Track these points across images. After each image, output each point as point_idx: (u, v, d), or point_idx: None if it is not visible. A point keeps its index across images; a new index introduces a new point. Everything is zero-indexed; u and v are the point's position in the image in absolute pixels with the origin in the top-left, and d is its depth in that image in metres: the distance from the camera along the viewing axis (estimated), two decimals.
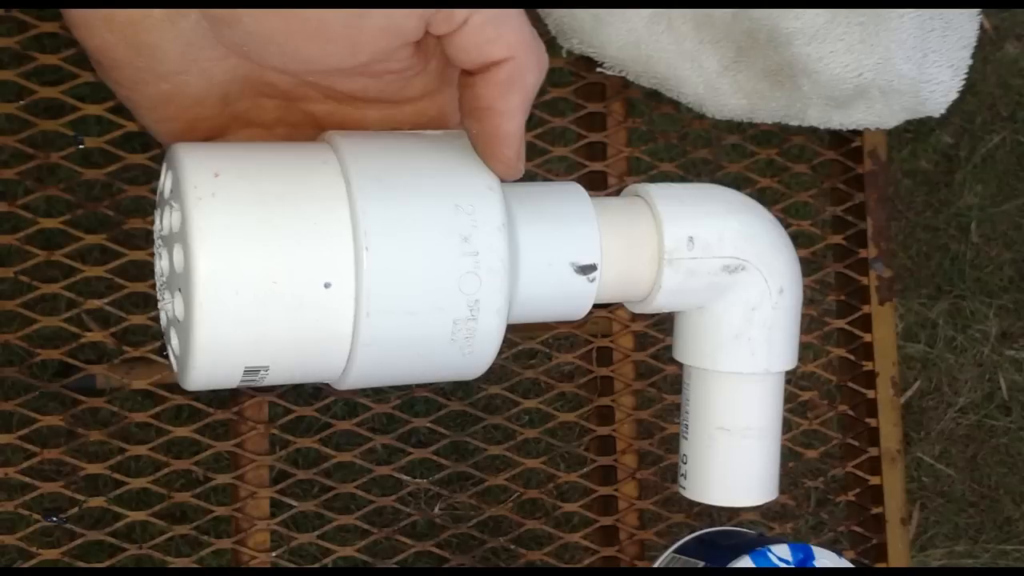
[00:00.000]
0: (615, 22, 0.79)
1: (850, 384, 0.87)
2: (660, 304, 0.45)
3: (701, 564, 0.74)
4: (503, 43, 0.39)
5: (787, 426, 0.58)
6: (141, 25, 0.38)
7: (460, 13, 0.38)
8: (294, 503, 0.80)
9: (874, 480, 0.86)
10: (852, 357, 0.87)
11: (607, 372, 0.84)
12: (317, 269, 0.38)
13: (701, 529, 0.78)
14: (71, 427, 0.75)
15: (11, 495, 0.77)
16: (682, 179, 0.79)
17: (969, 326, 1.64)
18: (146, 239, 0.59)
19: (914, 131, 1.65)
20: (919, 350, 1.62)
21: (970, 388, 1.63)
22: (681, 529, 0.81)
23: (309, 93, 0.42)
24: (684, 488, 0.49)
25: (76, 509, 0.77)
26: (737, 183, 0.65)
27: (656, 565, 0.77)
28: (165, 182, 0.40)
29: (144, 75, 0.39)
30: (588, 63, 0.82)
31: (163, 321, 0.42)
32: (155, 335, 0.61)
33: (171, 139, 0.41)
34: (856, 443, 0.87)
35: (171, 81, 0.40)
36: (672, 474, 0.63)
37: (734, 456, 0.48)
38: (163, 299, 0.41)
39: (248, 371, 0.39)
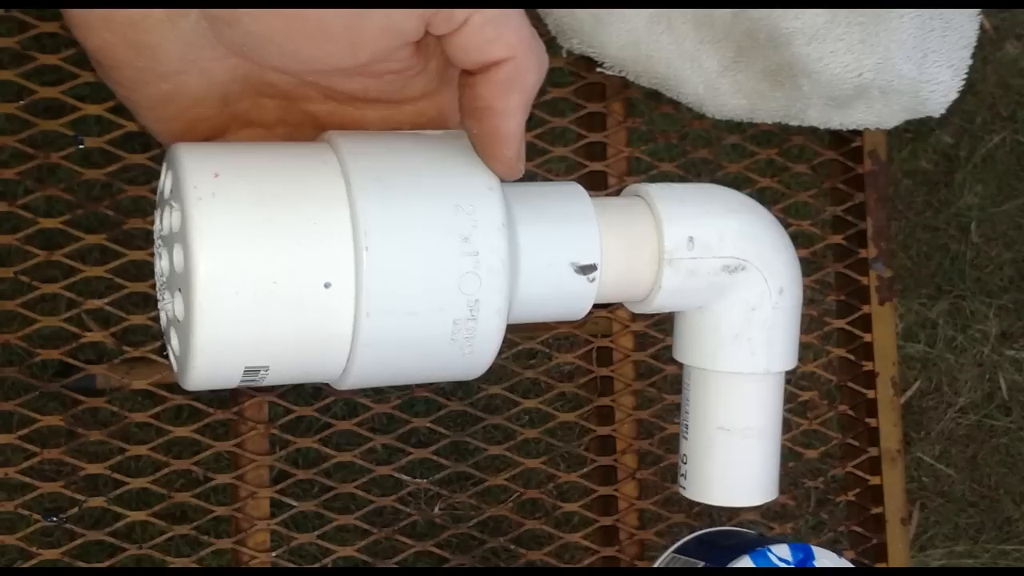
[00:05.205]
0: (615, 22, 0.79)
1: (850, 384, 0.87)
2: (660, 304, 0.45)
3: (701, 564, 0.74)
4: (503, 43, 0.39)
5: (787, 426, 0.58)
6: (141, 25, 0.38)
7: (460, 13, 0.38)
8: (294, 503, 0.80)
9: (874, 480, 0.86)
10: (852, 357, 0.87)
11: (607, 372, 0.84)
12: (317, 269, 0.38)
13: (701, 529, 0.78)
14: (71, 427, 0.75)
15: (11, 495, 0.77)
16: (682, 179, 0.79)
17: (969, 326, 1.64)
18: (146, 239, 0.59)
19: (914, 131, 1.65)
20: (919, 350, 1.62)
21: (970, 388, 1.63)
22: (681, 529, 0.81)
23: (309, 93, 0.42)
24: (684, 488, 0.49)
25: (76, 509, 0.77)
26: (737, 183, 0.65)
27: (656, 565, 0.77)
28: (165, 182, 0.40)
29: (144, 75, 0.39)
30: (588, 63, 0.82)
31: (163, 321, 0.42)
32: (155, 335, 0.61)
33: (171, 139, 0.41)
34: (856, 443, 0.87)
35: (171, 81, 0.40)
36: (672, 474, 0.63)
37: (734, 456, 0.48)
38: (163, 299, 0.41)
39: (248, 371, 0.39)
